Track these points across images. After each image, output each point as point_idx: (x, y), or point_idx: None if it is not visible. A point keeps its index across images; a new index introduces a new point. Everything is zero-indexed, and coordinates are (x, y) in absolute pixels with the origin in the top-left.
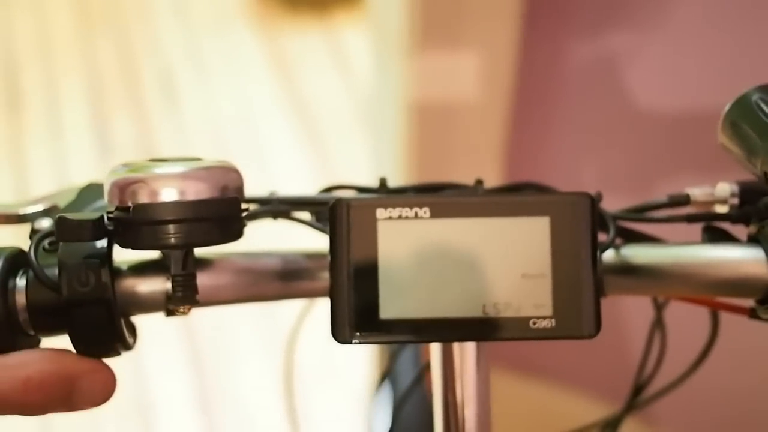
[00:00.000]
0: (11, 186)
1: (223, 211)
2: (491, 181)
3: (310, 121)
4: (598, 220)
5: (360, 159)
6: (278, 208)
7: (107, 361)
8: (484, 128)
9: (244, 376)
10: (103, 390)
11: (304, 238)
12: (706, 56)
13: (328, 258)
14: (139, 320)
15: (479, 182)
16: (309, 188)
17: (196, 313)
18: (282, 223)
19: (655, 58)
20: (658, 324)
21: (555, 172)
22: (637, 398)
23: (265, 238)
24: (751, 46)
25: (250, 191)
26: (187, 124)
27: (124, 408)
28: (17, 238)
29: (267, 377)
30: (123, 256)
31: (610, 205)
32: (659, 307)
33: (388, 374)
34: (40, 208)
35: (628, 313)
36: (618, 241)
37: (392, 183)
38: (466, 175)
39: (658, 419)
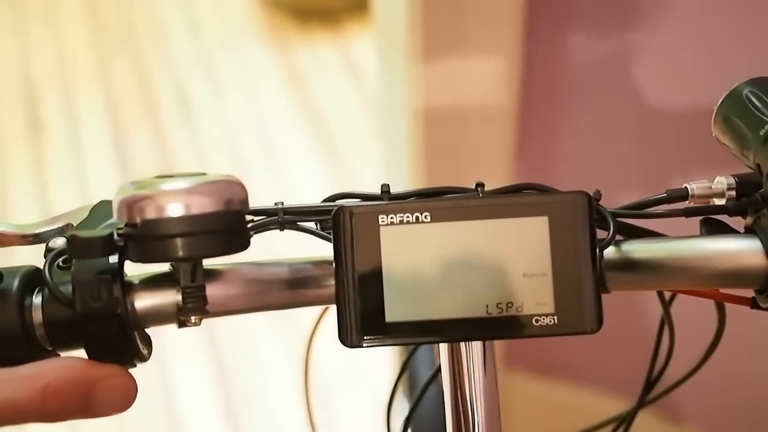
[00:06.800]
0: (35, 205)
1: (228, 224)
2: (503, 181)
3: (324, 131)
4: (598, 217)
5: (373, 166)
6: (283, 218)
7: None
8: (494, 130)
9: (270, 384)
10: (122, 395)
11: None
12: (713, 49)
13: (334, 265)
14: (163, 333)
15: (479, 185)
16: (324, 195)
17: (220, 322)
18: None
19: (662, 52)
20: (666, 319)
21: (566, 172)
22: (649, 393)
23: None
24: (760, 37)
25: (265, 200)
26: (203, 137)
27: (151, 419)
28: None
29: (291, 384)
30: (134, 270)
31: (623, 202)
32: (666, 303)
33: (404, 373)
34: (54, 227)
35: (645, 308)
36: (618, 237)
37: (404, 189)
38: (477, 178)
39: (678, 410)
